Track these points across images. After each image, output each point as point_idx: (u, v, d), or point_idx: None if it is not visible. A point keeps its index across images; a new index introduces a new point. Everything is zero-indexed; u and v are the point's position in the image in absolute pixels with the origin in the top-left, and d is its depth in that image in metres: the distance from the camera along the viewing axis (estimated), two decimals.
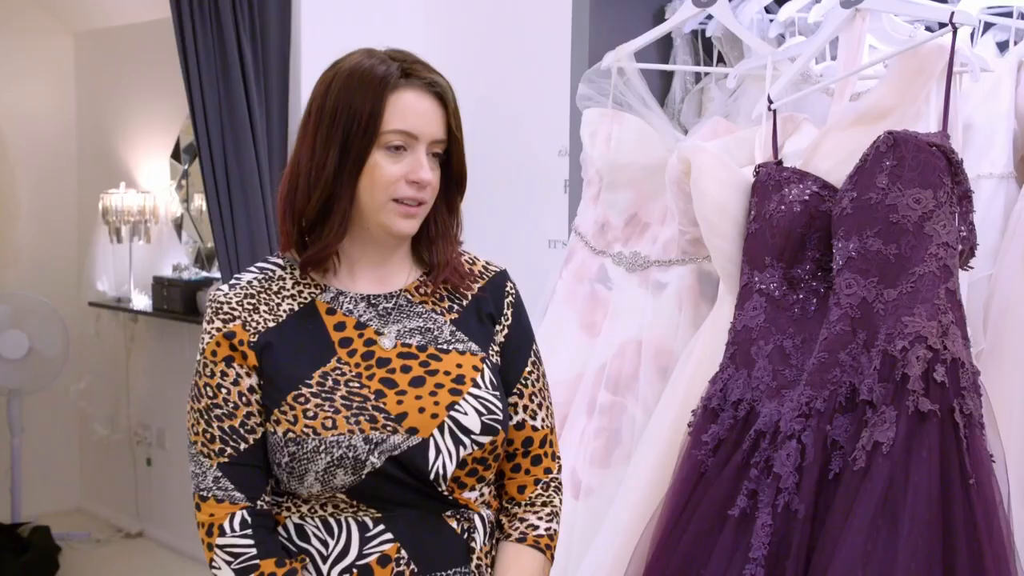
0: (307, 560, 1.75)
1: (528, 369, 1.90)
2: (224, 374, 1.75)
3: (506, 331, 1.89)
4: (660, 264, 2.68)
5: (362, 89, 1.72)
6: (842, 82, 2.42)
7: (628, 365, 2.66)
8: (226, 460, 1.73)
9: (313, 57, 4.16)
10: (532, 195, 3.98)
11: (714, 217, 2.41)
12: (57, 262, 6.37)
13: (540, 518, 1.88)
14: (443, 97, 1.77)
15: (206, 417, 1.75)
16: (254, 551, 1.71)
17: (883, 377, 2.06)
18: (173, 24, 3.90)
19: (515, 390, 1.88)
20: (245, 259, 4.02)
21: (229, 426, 1.74)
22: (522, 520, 1.88)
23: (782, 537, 2.09)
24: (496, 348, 1.87)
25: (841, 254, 2.17)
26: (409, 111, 1.74)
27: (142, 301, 5.93)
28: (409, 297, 1.85)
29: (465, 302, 1.87)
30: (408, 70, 1.75)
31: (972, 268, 2.20)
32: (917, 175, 2.09)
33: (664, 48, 3.11)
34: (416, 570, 1.74)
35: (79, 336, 6.16)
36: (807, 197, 2.26)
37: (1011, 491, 2.06)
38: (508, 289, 1.92)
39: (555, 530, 1.89)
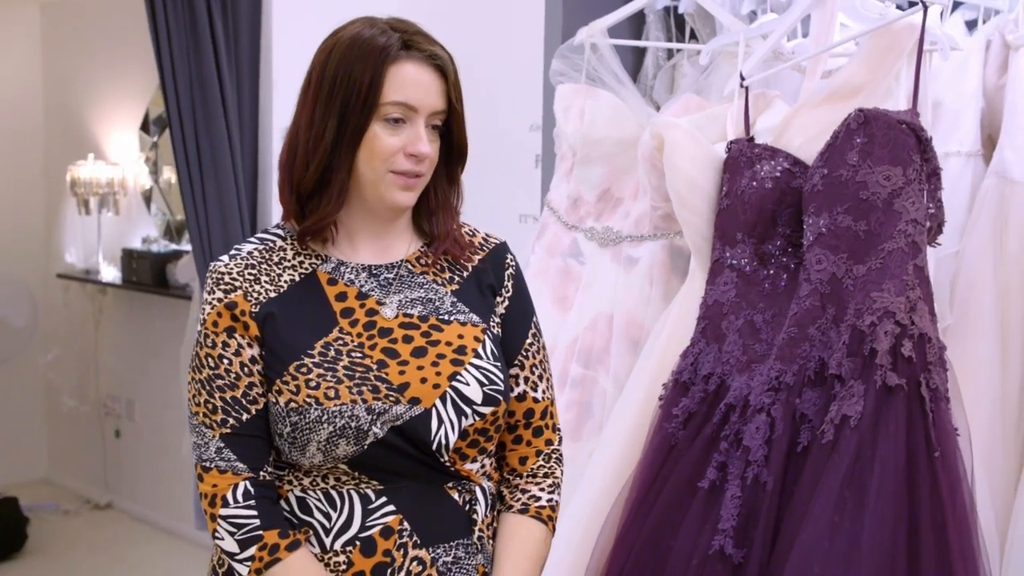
0: (311, 533, 1.75)
1: (529, 341, 1.90)
2: (226, 344, 1.74)
3: (507, 303, 1.89)
4: (632, 239, 2.70)
5: (362, 59, 1.71)
6: (814, 59, 2.44)
7: (600, 339, 2.68)
8: (228, 431, 1.73)
9: (284, 29, 4.15)
10: (504, 170, 3.98)
11: (686, 192, 2.43)
12: (24, 233, 6.33)
13: (542, 489, 1.89)
14: (443, 69, 1.76)
15: (208, 388, 1.74)
16: (257, 522, 1.71)
17: (852, 352, 2.09)
18: None
19: (516, 362, 1.88)
20: (216, 231, 4.01)
21: (231, 397, 1.73)
22: (524, 491, 1.88)
23: (751, 509, 2.12)
24: (497, 320, 1.87)
25: (811, 230, 2.20)
26: (408, 83, 1.72)
27: (111, 273, 5.91)
28: (410, 267, 1.84)
29: (465, 273, 1.87)
30: (409, 41, 1.73)
31: (940, 244, 2.23)
32: (887, 152, 2.11)
33: (637, 24, 3.13)
34: (419, 541, 1.74)
35: (47, 308, 6.14)
36: (778, 173, 2.29)
37: (974, 464, 2.09)
38: (508, 261, 1.92)
39: (557, 501, 1.90)
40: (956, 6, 2.65)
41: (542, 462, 1.90)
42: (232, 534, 1.71)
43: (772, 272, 2.32)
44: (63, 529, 5.84)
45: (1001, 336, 2.32)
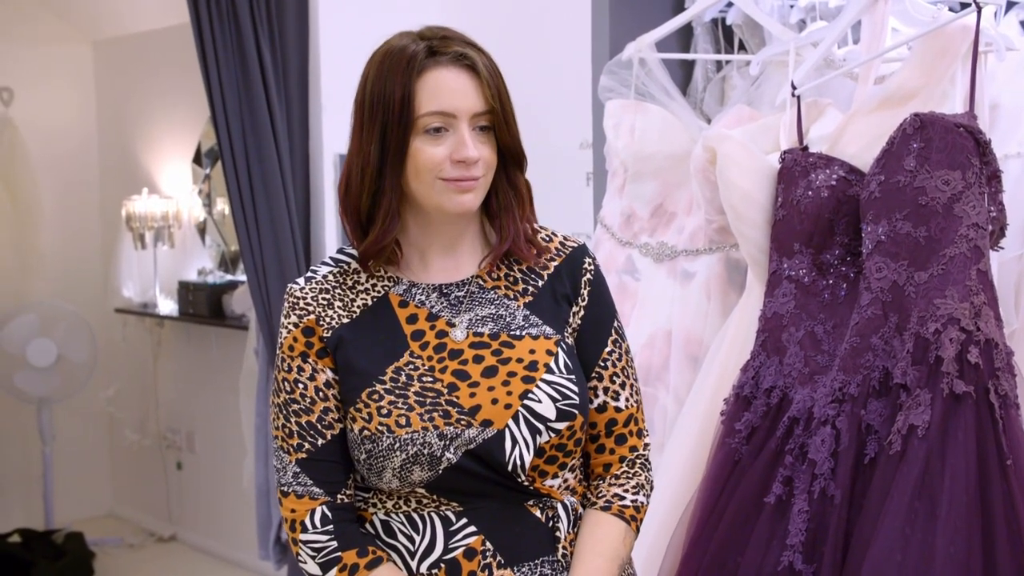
0: (395, 556, 1.74)
1: (608, 349, 1.83)
2: (301, 369, 1.75)
3: (583, 312, 1.83)
4: (687, 253, 2.68)
5: (392, 75, 1.68)
6: (866, 65, 2.40)
7: (658, 356, 2.66)
8: (304, 456, 1.74)
9: (332, 56, 4.17)
10: (555, 188, 3.97)
11: (741, 205, 2.40)
12: (82, 270, 6.39)
13: (626, 491, 1.82)
14: (474, 67, 1.70)
15: (284, 412, 1.75)
16: (335, 544, 1.72)
17: (916, 360, 2.05)
18: (192, 28, 3.91)
19: (595, 373, 1.82)
20: (270, 261, 4.03)
21: (307, 421, 1.74)
22: (608, 491, 1.82)
23: (819, 523, 2.09)
24: (571, 331, 1.82)
25: (870, 238, 2.17)
26: (441, 90, 1.68)
27: (168, 306, 5.95)
28: (481, 283, 1.81)
29: (541, 282, 1.82)
30: (434, 47, 1.70)
31: (1003, 248, 2.19)
32: (945, 156, 2.08)
33: (684, 37, 3.10)
34: (502, 561, 1.72)
35: (106, 343, 6.18)
36: (834, 182, 2.26)
37: None
38: (586, 266, 1.85)
39: (642, 503, 1.84)
40: (1010, 6, 2.61)
41: (626, 467, 1.84)
42: (313, 558, 1.73)
43: (831, 282, 2.29)
44: (129, 563, 5.87)
45: None
